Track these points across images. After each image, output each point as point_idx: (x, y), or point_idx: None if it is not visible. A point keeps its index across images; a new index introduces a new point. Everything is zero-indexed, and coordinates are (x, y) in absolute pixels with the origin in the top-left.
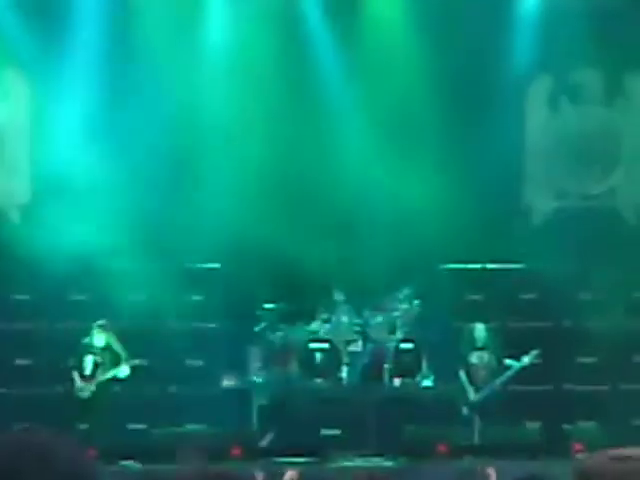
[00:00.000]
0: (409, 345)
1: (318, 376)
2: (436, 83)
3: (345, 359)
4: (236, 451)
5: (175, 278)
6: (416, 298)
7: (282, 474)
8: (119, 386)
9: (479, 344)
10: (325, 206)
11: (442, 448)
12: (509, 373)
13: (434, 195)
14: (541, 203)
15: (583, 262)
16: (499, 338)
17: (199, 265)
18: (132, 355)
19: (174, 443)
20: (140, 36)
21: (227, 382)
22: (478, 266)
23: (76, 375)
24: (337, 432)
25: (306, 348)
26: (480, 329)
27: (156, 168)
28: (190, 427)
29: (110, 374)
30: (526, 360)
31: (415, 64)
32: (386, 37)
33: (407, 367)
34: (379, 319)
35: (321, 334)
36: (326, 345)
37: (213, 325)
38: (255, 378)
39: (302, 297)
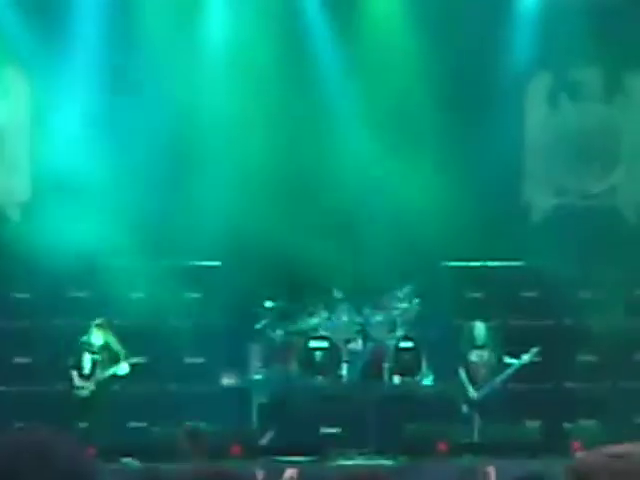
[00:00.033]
0: (409, 343)
1: (318, 374)
2: (435, 80)
3: (345, 357)
4: (236, 449)
5: (175, 276)
6: (416, 296)
7: (282, 472)
8: (119, 384)
9: (479, 342)
10: (326, 204)
11: (442, 446)
12: (509, 371)
13: (434, 193)
14: (541, 201)
15: (583, 260)
16: (499, 336)
17: (199, 263)
18: (132, 353)
19: (174, 441)
20: (140, 33)
21: (227, 380)
22: (478, 264)
23: (75, 374)
24: (337, 430)
25: (306, 346)
26: (480, 327)
27: (156, 166)
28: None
29: (109, 372)
30: (526, 358)
31: (414, 61)
32: (385, 34)
33: (407, 365)
34: (379, 317)
35: (321, 332)
36: (326, 343)
37: (213, 323)
38: (255, 376)
39: (302, 295)
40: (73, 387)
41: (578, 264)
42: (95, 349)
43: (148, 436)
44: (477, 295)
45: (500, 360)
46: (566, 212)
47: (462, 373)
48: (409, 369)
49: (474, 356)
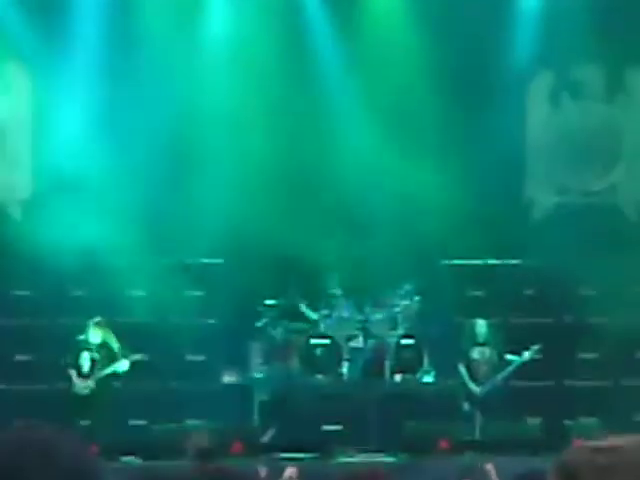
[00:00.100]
0: (410, 341)
1: (319, 372)
2: (437, 77)
3: (346, 355)
4: (237, 447)
5: (176, 274)
6: (417, 294)
7: (283, 470)
8: (120, 382)
9: (480, 340)
10: (327, 201)
11: (443, 444)
12: (510, 368)
13: (435, 190)
14: (542, 199)
15: (584, 258)
16: (500, 334)
17: (200, 261)
18: (133, 350)
19: (175, 439)
20: (141, 29)
21: (228, 378)
22: (479, 262)
23: (73, 373)
24: (338, 428)
25: (307, 344)
26: (481, 325)
27: (158, 163)
28: (191, 423)
29: (109, 370)
30: (527, 356)
31: (415, 57)
32: (386, 30)
33: (408, 363)
34: (380, 315)
35: (322, 330)
36: (327, 341)
37: (214, 321)
38: (256, 374)
39: (303, 293)
40: (72, 386)
41: (579, 262)
42: (93, 347)
43: (149, 434)
44: (478, 293)
45: (501, 357)
46: (567, 210)
47: (462, 370)
48: (410, 367)
49: (475, 353)
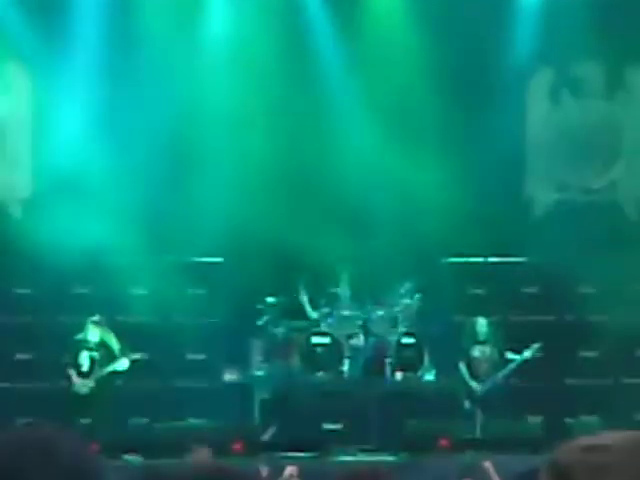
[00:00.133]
0: (411, 339)
1: (320, 370)
2: (437, 75)
3: (347, 353)
4: (238, 445)
5: (177, 272)
6: (418, 292)
7: (283, 468)
8: (120, 380)
9: (481, 338)
10: (327, 200)
11: (444, 442)
12: (511, 367)
13: (435, 188)
14: (542, 196)
15: (585, 256)
16: (501, 332)
17: (201, 259)
18: (134, 349)
19: (176, 437)
20: (141, 29)
21: (229, 376)
22: (479, 260)
23: (72, 372)
24: (339, 426)
25: (308, 342)
26: (482, 323)
27: (158, 162)
28: (192, 421)
29: (108, 369)
30: (528, 354)
31: (416, 56)
32: (387, 30)
33: (409, 361)
34: (381, 313)
35: (323, 328)
36: (328, 339)
37: (215, 319)
38: (257, 372)
39: (303, 291)
40: (71, 385)
41: (579, 260)
42: (92, 346)
43: (150, 432)
44: (479, 291)
45: (502, 356)
46: (567, 208)
47: (463, 368)
48: (411, 365)
49: (476, 351)
